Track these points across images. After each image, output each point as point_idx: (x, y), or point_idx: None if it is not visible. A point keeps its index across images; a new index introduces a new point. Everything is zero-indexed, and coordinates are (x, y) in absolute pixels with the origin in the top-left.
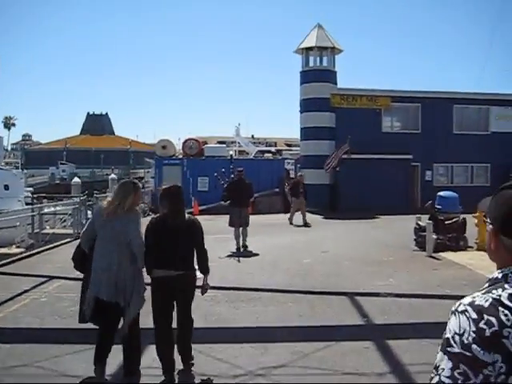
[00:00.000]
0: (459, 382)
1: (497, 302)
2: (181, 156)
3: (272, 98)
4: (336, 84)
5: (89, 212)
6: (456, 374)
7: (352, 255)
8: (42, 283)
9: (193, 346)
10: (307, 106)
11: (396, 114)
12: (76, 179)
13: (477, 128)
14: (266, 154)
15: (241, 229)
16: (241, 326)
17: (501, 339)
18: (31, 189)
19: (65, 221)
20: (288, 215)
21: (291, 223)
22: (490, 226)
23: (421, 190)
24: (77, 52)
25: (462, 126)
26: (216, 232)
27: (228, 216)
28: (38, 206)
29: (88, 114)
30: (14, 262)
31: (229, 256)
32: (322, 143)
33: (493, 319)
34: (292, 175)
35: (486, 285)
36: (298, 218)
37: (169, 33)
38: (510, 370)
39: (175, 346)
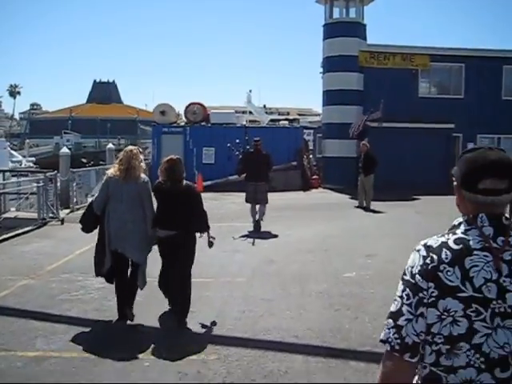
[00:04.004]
0: (404, 300)
1: (444, 244)
2: (183, 123)
3: (284, 65)
4: (365, 39)
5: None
6: (404, 294)
7: None
8: None
9: None
10: (331, 65)
11: (435, 75)
12: (64, 150)
13: None
14: (282, 122)
15: (258, 206)
16: None
17: (437, 272)
18: (33, 159)
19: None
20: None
21: (368, 208)
22: (455, 183)
23: None
24: (85, 20)
25: None
26: (221, 218)
27: (238, 194)
28: None
29: (94, 81)
30: None
31: (244, 236)
32: (347, 109)
33: (435, 257)
34: (311, 147)
35: (447, 230)
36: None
37: None
38: (439, 295)
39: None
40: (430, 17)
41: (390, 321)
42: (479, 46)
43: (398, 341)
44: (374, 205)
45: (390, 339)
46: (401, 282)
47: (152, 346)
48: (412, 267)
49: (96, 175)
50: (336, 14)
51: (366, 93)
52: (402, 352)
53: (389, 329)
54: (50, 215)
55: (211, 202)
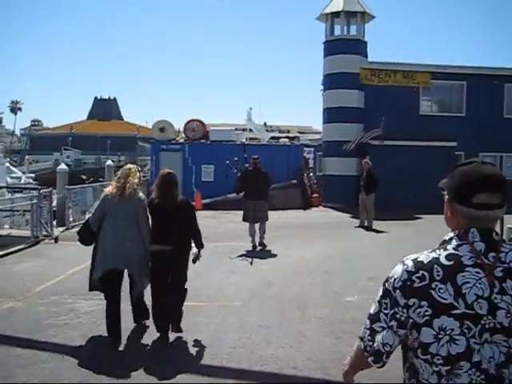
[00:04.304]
0: (382, 308)
1: (436, 259)
2: (182, 140)
3: (285, 82)
4: (366, 57)
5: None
6: (383, 301)
7: None
8: None
9: None
10: (332, 82)
11: (437, 93)
12: (62, 166)
13: None
14: (282, 140)
15: (257, 225)
16: None
17: (429, 290)
18: (32, 175)
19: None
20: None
21: (370, 227)
22: (447, 197)
23: None
24: (87, 37)
25: None
26: (219, 237)
27: (237, 212)
28: None
29: (95, 98)
30: None
31: (242, 256)
32: (348, 126)
33: (426, 274)
34: (311, 164)
35: (438, 245)
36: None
37: (177, 9)
38: (433, 313)
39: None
40: (431, 35)
41: (368, 322)
42: (481, 64)
43: (370, 343)
44: (376, 224)
45: (364, 339)
46: (382, 288)
47: (141, 376)
48: (395, 279)
49: (93, 192)
50: (337, 31)
51: (367, 110)
52: (368, 354)
53: (365, 329)
54: (44, 233)
55: (209, 221)
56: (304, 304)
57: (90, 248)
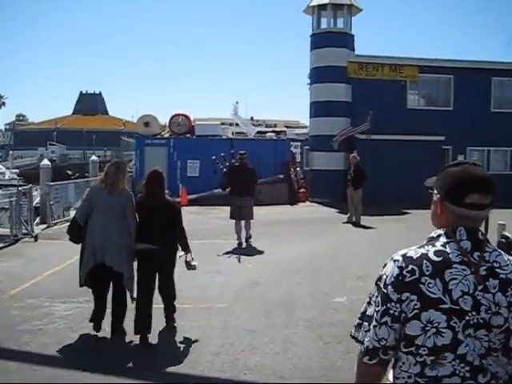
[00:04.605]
0: (379, 306)
1: (425, 255)
2: (167, 135)
3: (272, 76)
4: (353, 50)
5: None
6: (377, 300)
7: None
8: None
9: None
10: (318, 76)
11: (424, 87)
12: (45, 162)
13: None
14: (269, 134)
15: (243, 221)
16: None
17: (418, 284)
18: (17, 170)
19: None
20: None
21: (358, 223)
22: (437, 196)
23: None
24: (71, 30)
25: (501, 102)
26: (205, 234)
27: (223, 208)
28: None
29: (81, 92)
30: None
31: (228, 253)
32: (335, 121)
33: (416, 269)
34: (298, 159)
35: (425, 241)
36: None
37: (162, 2)
38: (422, 307)
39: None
40: (418, 28)
41: (366, 324)
42: (468, 57)
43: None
44: (364, 219)
45: (366, 342)
46: (375, 287)
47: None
48: (387, 276)
49: (75, 188)
50: (324, 24)
51: (354, 104)
52: (362, 354)
53: (365, 331)
54: (24, 231)
55: (195, 217)
56: (291, 306)
57: (70, 247)
